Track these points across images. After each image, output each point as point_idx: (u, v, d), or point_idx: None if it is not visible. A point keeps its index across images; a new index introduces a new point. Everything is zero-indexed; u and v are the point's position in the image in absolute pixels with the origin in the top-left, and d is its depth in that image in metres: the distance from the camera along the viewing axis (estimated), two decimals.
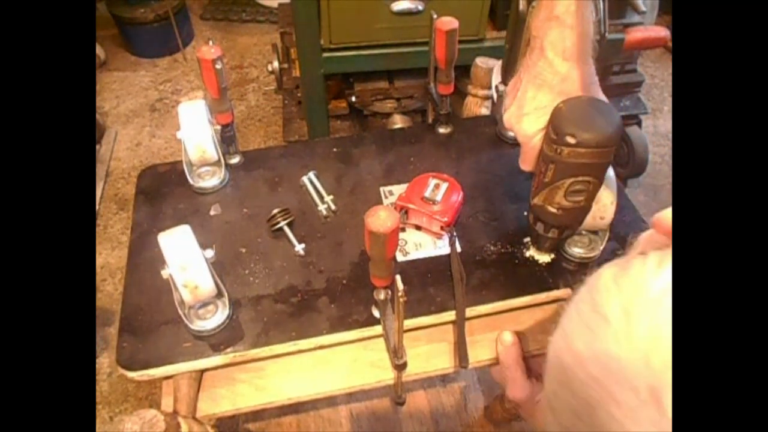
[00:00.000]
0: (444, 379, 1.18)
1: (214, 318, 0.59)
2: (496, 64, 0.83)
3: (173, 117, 1.98)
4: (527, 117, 0.57)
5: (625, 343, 0.25)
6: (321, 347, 0.61)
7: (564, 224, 0.59)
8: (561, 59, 0.54)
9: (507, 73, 0.64)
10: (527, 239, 0.67)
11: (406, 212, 0.68)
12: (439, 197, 0.67)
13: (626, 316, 0.26)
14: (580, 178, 0.53)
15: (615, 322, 0.26)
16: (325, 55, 1.23)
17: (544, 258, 0.65)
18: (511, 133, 0.79)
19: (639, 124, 1.69)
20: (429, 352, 0.63)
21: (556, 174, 0.53)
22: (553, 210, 0.56)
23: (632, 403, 0.24)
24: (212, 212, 0.71)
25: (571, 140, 0.50)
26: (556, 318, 0.63)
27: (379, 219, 0.47)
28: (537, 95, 0.56)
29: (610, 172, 0.58)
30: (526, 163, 0.60)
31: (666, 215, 0.29)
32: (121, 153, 1.88)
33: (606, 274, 0.29)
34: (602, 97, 0.57)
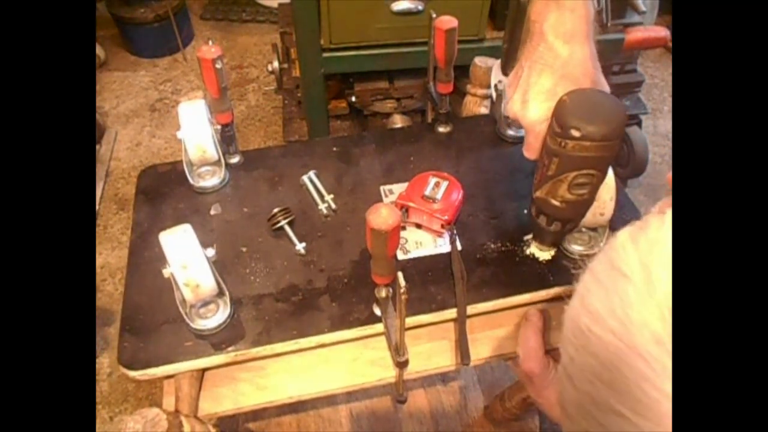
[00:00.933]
0: (444, 379, 1.18)
1: (216, 317, 0.59)
2: (495, 64, 0.83)
3: (173, 117, 1.97)
4: (531, 103, 0.56)
5: (647, 296, 0.24)
6: (322, 346, 0.61)
7: (567, 217, 0.58)
8: (562, 42, 0.54)
9: (507, 65, 0.63)
10: (527, 237, 0.67)
11: (407, 210, 0.68)
12: (439, 195, 0.67)
13: (645, 271, 0.25)
14: (584, 172, 0.52)
15: (634, 276, 0.26)
16: (325, 55, 1.23)
17: (544, 256, 0.65)
18: (510, 132, 0.79)
19: (639, 124, 1.69)
20: (430, 350, 0.63)
21: (560, 167, 0.53)
22: (557, 203, 0.56)
23: (657, 353, 0.23)
24: (213, 212, 0.71)
25: (575, 133, 0.49)
26: (557, 315, 0.63)
27: (381, 216, 0.47)
28: (539, 80, 0.56)
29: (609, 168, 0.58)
30: (531, 151, 0.59)
31: None
32: (121, 153, 1.88)
33: (622, 234, 0.28)
34: (604, 81, 0.56)
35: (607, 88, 0.56)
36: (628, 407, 0.24)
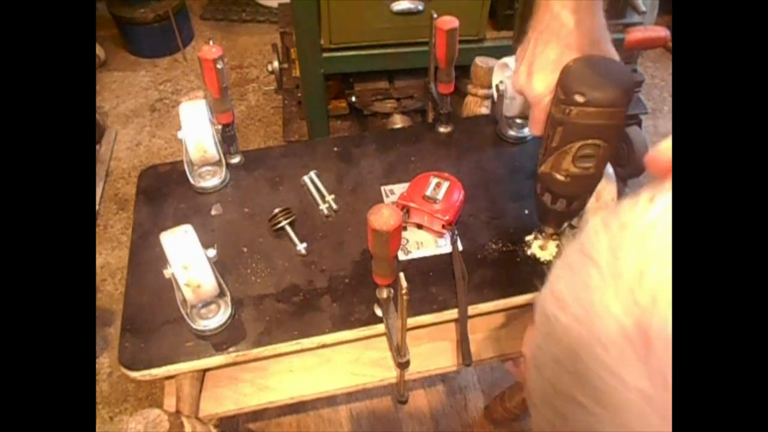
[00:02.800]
0: (444, 379, 1.19)
1: (216, 317, 0.59)
2: (496, 64, 0.83)
3: (173, 117, 1.97)
4: (536, 74, 0.54)
5: (611, 280, 0.23)
6: (323, 346, 0.61)
7: (572, 193, 0.55)
8: (568, 11, 0.52)
9: (517, 40, 0.62)
10: (529, 237, 0.67)
11: (408, 211, 0.68)
12: (440, 196, 0.67)
13: (613, 254, 0.24)
14: (590, 141, 0.50)
15: (601, 260, 0.25)
16: (325, 55, 1.23)
17: (545, 256, 0.65)
18: (511, 132, 0.79)
19: (639, 124, 1.69)
20: (431, 350, 0.63)
21: (564, 137, 0.50)
22: (561, 177, 0.53)
23: (617, 340, 0.22)
24: (213, 212, 0.71)
25: (579, 99, 0.47)
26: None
27: (383, 217, 0.47)
28: (545, 50, 0.54)
29: (609, 168, 0.57)
30: (536, 125, 0.57)
31: (660, 150, 0.27)
32: (121, 153, 1.88)
33: (594, 219, 0.27)
34: (613, 50, 0.54)
35: (616, 58, 0.54)
36: (587, 395, 0.23)
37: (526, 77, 0.56)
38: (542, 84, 0.54)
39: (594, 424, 0.23)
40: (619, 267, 0.24)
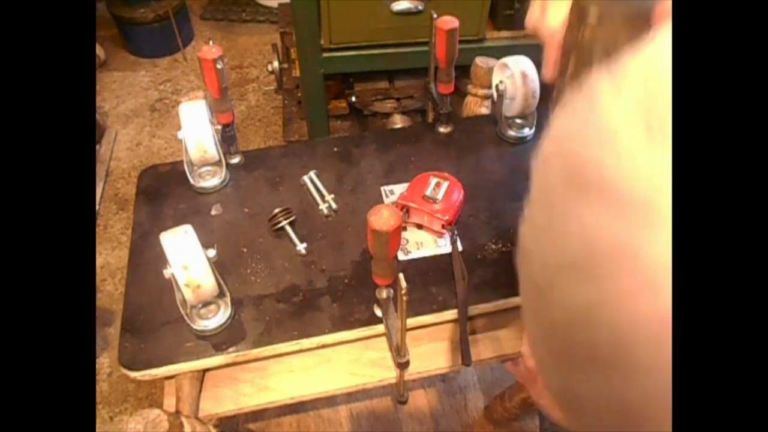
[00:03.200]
0: (444, 379, 1.18)
1: (216, 318, 0.59)
2: (496, 64, 0.83)
3: (173, 117, 1.97)
4: (552, 7, 0.50)
5: (614, 99, 0.22)
6: (323, 346, 0.61)
7: None
8: None
9: None
10: None
11: (408, 211, 0.68)
12: (440, 196, 0.67)
13: (616, 85, 0.22)
14: None
15: (603, 90, 0.23)
16: (325, 55, 1.23)
17: None
18: (511, 132, 0.79)
19: None
20: (431, 350, 0.63)
21: (578, 64, 0.46)
22: None
23: (621, 130, 0.20)
24: (213, 212, 0.71)
25: (594, 15, 0.43)
26: None
27: (382, 217, 0.47)
28: None
29: None
30: (549, 68, 0.53)
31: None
32: (121, 153, 1.88)
33: (599, 70, 0.25)
34: None
35: None
36: (589, 196, 0.21)
37: (540, 12, 0.52)
38: (558, 17, 0.50)
39: (597, 231, 0.21)
40: (622, 89, 0.22)
